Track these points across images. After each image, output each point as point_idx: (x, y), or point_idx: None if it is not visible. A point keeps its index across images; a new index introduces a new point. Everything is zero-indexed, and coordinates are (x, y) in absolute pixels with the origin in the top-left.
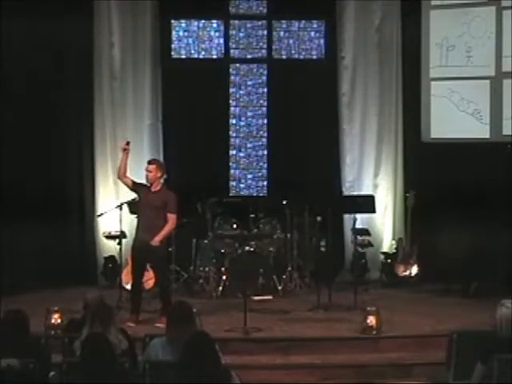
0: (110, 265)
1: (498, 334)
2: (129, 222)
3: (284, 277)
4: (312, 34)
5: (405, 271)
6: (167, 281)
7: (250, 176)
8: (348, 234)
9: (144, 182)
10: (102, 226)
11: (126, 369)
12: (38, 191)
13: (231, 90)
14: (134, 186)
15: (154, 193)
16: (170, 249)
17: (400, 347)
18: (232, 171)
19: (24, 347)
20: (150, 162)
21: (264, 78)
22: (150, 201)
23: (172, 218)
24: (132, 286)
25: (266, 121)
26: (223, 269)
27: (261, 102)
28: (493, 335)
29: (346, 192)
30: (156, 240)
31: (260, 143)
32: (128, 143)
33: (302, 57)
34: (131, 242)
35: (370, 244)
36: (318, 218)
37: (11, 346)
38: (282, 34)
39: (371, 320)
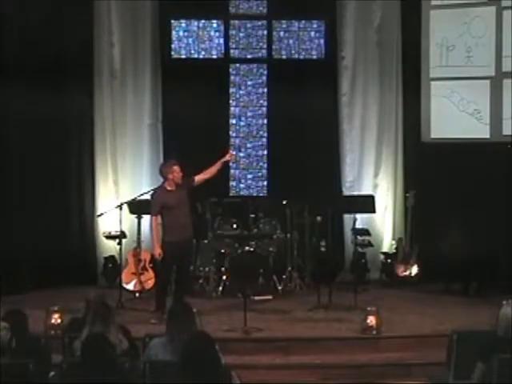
0: (110, 265)
1: (498, 334)
2: (129, 222)
3: (284, 277)
4: (312, 33)
5: (405, 271)
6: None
7: (249, 176)
8: (348, 234)
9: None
10: (102, 226)
11: (126, 369)
12: (38, 191)
13: (231, 90)
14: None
15: (176, 191)
16: None
17: (400, 347)
18: (232, 171)
19: (24, 347)
20: (176, 164)
21: (264, 78)
22: (177, 201)
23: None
24: (160, 283)
25: (265, 121)
26: (223, 269)
27: (261, 101)
28: (493, 335)
29: (346, 192)
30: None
31: (260, 143)
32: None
33: (302, 57)
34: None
35: (370, 244)
36: (318, 218)
37: (11, 346)
38: (281, 34)
39: (371, 320)
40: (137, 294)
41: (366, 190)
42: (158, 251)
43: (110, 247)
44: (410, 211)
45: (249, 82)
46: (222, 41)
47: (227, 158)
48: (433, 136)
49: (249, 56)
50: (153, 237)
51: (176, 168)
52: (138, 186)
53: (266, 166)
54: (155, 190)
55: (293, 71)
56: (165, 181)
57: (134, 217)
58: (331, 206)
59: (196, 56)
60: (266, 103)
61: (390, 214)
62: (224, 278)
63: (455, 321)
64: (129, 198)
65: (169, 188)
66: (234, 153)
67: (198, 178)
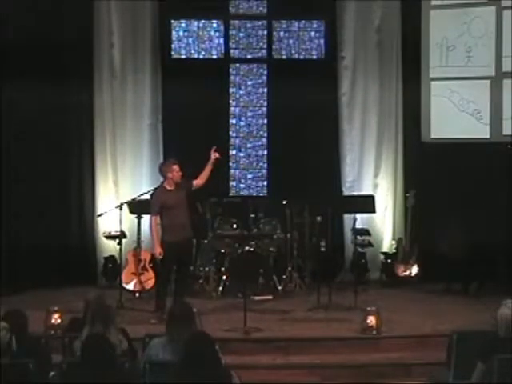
0: (110, 265)
1: (498, 334)
2: (129, 222)
3: (284, 277)
4: (312, 33)
5: (405, 271)
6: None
7: (249, 176)
8: (348, 234)
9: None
10: (102, 226)
11: (126, 369)
12: (38, 191)
13: (231, 90)
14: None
15: (175, 191)
16: None
17: (400, 347)
18: (232, 171)
19: (24, 347)
20: (176, 163)
21: (264, 78)
22: (177, 200)
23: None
24: (160, 283)
25: (265, 121)
26: (223, 269)
27: (261, 101)
28: (493, 335)
29: (346, 192)
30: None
31: (260, 143)
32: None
33: (302, 57)
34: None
35: (370, 244)
36: (318, 218)
37: (11, 346)
38: (281, 34)
39: (371, 320)
40: (137, 294)
41: (366, 190)
42: (158, 250)
43: (109, 247)
44: (409, 211)
45: (249, 82)
46: (222, 41)
47: (212, 157)
48: (433, 136)
49: (249, 56)
50: (153, 236)
51: (175, 167)
52: (138, 186)
53: (265, 166)
54: (155, 190)
55: (293, 71)
56: (164, 180)
57: (134, 217)
58: (331, 206)
59: (196, 56)
60: (265, 103)
61: (390, 214)
62: (224, 277)
63: (455, 321)
64: (129, 198)
65: (168, 187)
66: (234, 152)
67: (196, 182)
